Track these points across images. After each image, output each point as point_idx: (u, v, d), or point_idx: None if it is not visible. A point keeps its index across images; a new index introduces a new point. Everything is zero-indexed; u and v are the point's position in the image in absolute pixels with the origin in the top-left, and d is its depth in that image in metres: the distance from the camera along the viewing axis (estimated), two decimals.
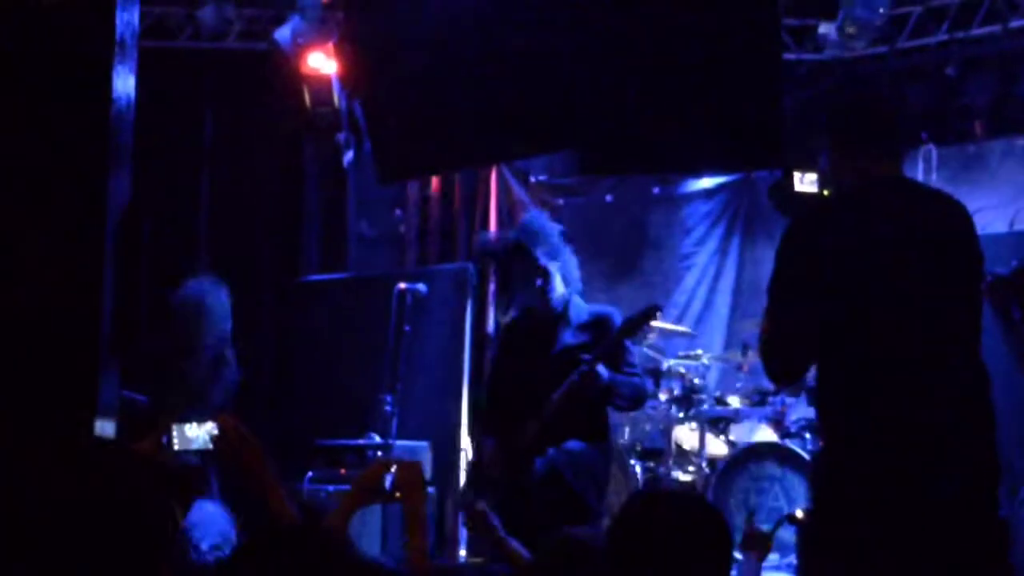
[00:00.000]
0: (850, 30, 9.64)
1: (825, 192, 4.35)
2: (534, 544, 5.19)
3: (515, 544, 4.89)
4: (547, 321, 6.31)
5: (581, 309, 6.37)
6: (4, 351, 4.13)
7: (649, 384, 8.52)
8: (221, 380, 7.38)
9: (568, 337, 6.27)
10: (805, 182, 4.36)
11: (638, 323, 6.38)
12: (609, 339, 6.19)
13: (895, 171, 4.26)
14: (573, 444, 6.14)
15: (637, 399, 6.51)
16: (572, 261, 6.42)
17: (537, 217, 6.71)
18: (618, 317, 6.40)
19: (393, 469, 3.92)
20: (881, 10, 9.65)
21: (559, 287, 6.31)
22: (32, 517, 2.33)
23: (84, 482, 2.35)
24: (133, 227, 4.20)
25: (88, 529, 2.32)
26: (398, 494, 3.91)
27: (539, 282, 6.27)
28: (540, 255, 6.29)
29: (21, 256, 4.14)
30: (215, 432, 3.77)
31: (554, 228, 6.48)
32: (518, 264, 6.35)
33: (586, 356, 6.09)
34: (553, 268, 6.29)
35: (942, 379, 4.00)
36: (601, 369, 6.10)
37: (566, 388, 6.09)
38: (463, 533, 8.78)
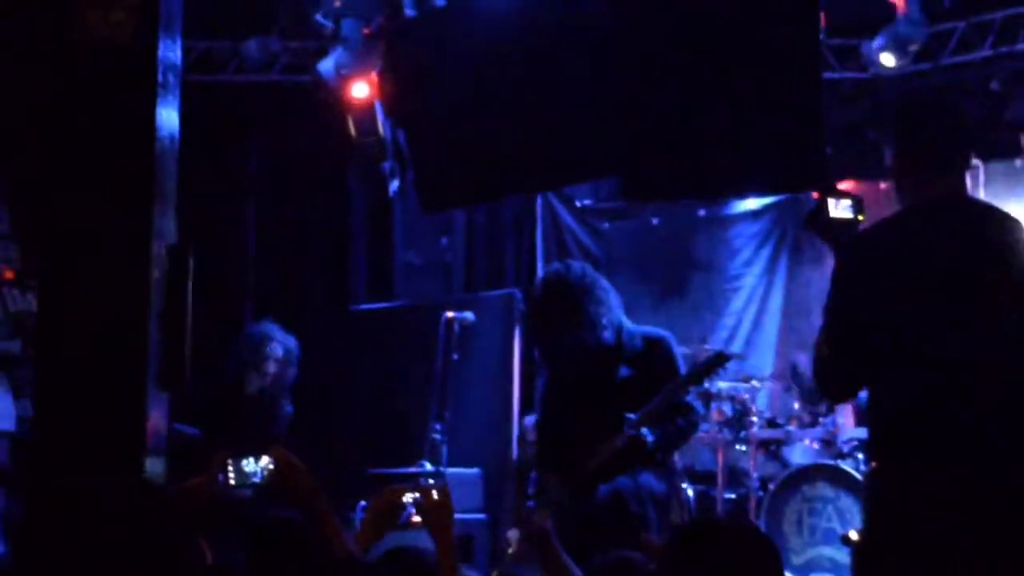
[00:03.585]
0: (893, 47, 9.59)
1: (860, 217, 4.34)
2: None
3: (573, 565, 4.86)
4: (602, 353, 6.21)
5: (633, 336, 6.27)
6: (52, 389, 4.17)
7: (700, 407, 8.46)
8: (282, 417, 7.65)
9: (624, 370, 6.20)
10: (839, 208, 4.35)
11: (704, 373, 6.27)
12: (668, 389, 6.06)
13: (958, 188, 4.25)
14: (638, 471, 6.10)
15: (684, 442, 6.45)
16: (610, 293, 6.26)
17: (561, 274, 6.44)
18: (671, 341, 6.33)
19: (414, 496, 3.91)
20: (920, 28, 9.59)
21: (606, 327, 6.17)
22: (70, 557, 2.36)
23: (124, 526, 2.38)
24: (179, 264, 4.22)
25: (119, 566, 2.34)
26: (417, 519, 3.90)
27: (586, 332, 6.14)
28: (584, 300, 6.14)
29: (68, 294, 4.18)
30: (271, 466, 3.78)
31: (580, 274, 6.30)
32: (565, 315, 6.18)
33: (632, 416, 5.98)
34: (597, 317, 6.15)
35: (996, 401, 3.98)
36: (646, 433, 6.01)
37: (615, 447, 6.01)
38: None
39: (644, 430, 5.97)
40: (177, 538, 2.49)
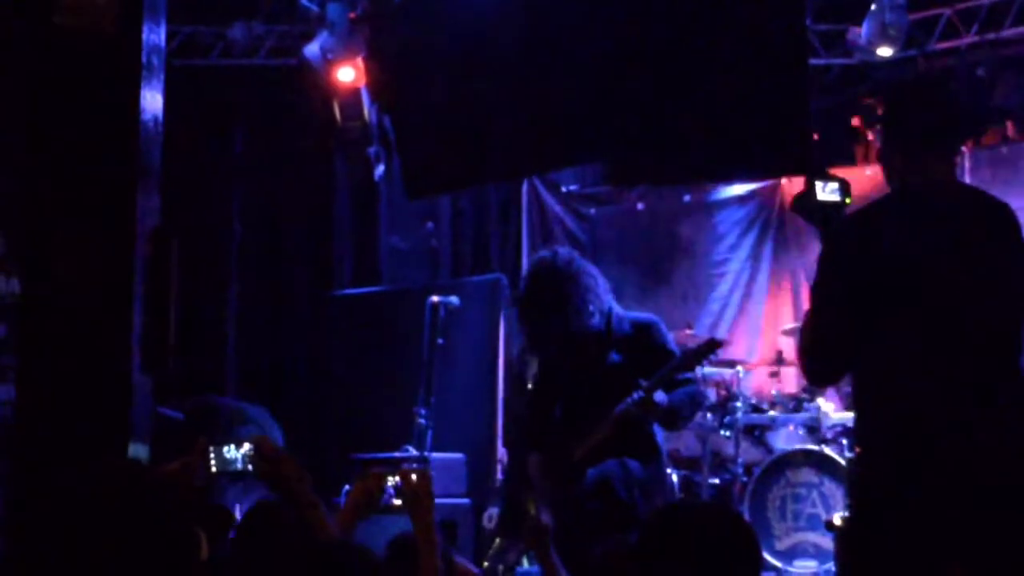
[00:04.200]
0: (878, 34, 9.59)
1: (847, 200, 4.36)
2: (582, 553, 5.18)
3: (561, 566, 4.88)
4: (591, 339, 6.20)
5: (622, 321, 6.26)
6: (35, 373, 4.16)
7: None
8: None
9: (614, 355, 6.19)
10: (827, 191, 4.37)
11: (697, 358, 6.27)
12: (664, 370, 6.05)
13: (948, 173, 4.26)
14: (626, 458, 6.09)
15: (696, 410, 6.46)
16: (598, 279, 6.25)
17: (547, 261, 6.41)
18: (661, 325, 6.32)
19: (394, 480, 3.93)
20: (904, 14, 9.60)
21: (593, 314, 6.15)
22: (57, 535, 2.36)
23: (108, 503, 2.37)
24: (163, 248, 4.22)
25: (110, 551, 2.33)
26: (398, 502, 3.92)
27: (573, 319, 6.12)
28: (572, 288, 6.13)
29: (52, 278, 4.17)
30: (252, 453, 3.77)
31: (567, 260, 6.27)
32: (553, 303, 6.16)
33: (641, 386, 5.97)
34: (584, 304, 6.13)
35: (981, 388, 3.99)
36: (659, 396, 5.99)
37: (622, 415, 5.99)
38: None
39: (657, 395, 5.96)
40: (173, 525, 2.48)
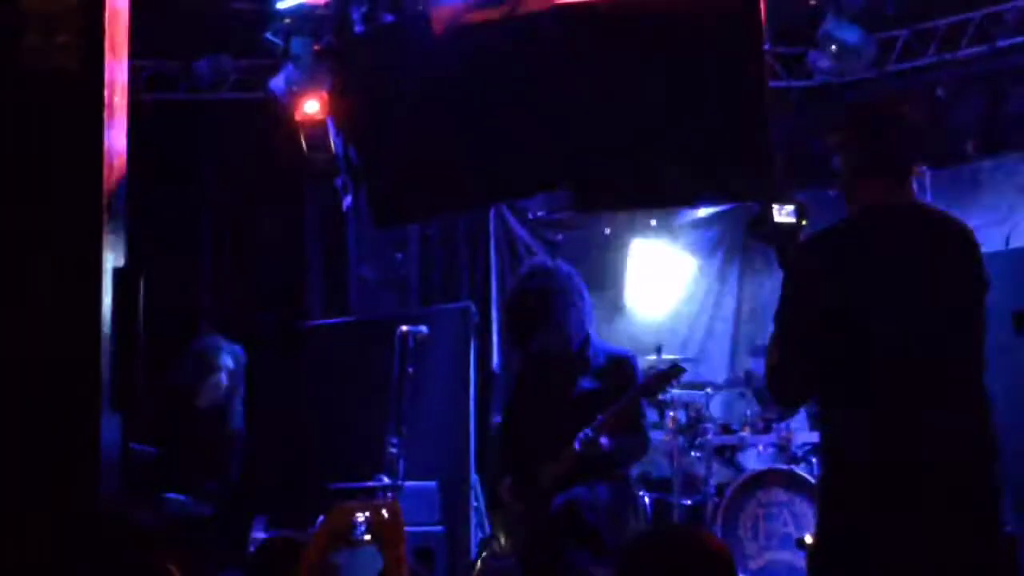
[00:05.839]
0: (837, 56, 9.68)
1: (803, 222, 4.39)
2: None
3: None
4: (564, 362, 6.22)
5: (598, 350, 6.29)
6: (4, 410, 4.17)
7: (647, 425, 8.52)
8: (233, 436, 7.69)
9: (586, 383, 6.21)
10: (783, 213, 4.40)
11: (659, 384, 6.30)
12: (624, 399, 6.09)
13: (907, 194, 4.30)
14: (593, 481, 6.12)
15: (633, 461, 6.49)
16: (586, 303, 6.28)
17: (545, 270, 6.45)
18: (635, 362, 6.35)
19: (364, 515, 3.95)
20: (862, 36, 9.70)
21: (572, 337, 6.18)
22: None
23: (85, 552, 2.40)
24: (130, 285, 4.23)
25: None
26: (368, 537, 3.94)
27: (553, 336, 6.15)
28: (560, 302, 6.16)
29: (17, 316, 4.18)
30: None
31: (565, 275, 6.32)
32: (539, 310, 6.20)
33: (594, 424, 5.99)
34: (565, 322, 6.16)
35: (948, 404, 4.03)
36: (603, 441, 6.03)
37: (572, 452, 6.03)
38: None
39: (602, 438, 6.00)
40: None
